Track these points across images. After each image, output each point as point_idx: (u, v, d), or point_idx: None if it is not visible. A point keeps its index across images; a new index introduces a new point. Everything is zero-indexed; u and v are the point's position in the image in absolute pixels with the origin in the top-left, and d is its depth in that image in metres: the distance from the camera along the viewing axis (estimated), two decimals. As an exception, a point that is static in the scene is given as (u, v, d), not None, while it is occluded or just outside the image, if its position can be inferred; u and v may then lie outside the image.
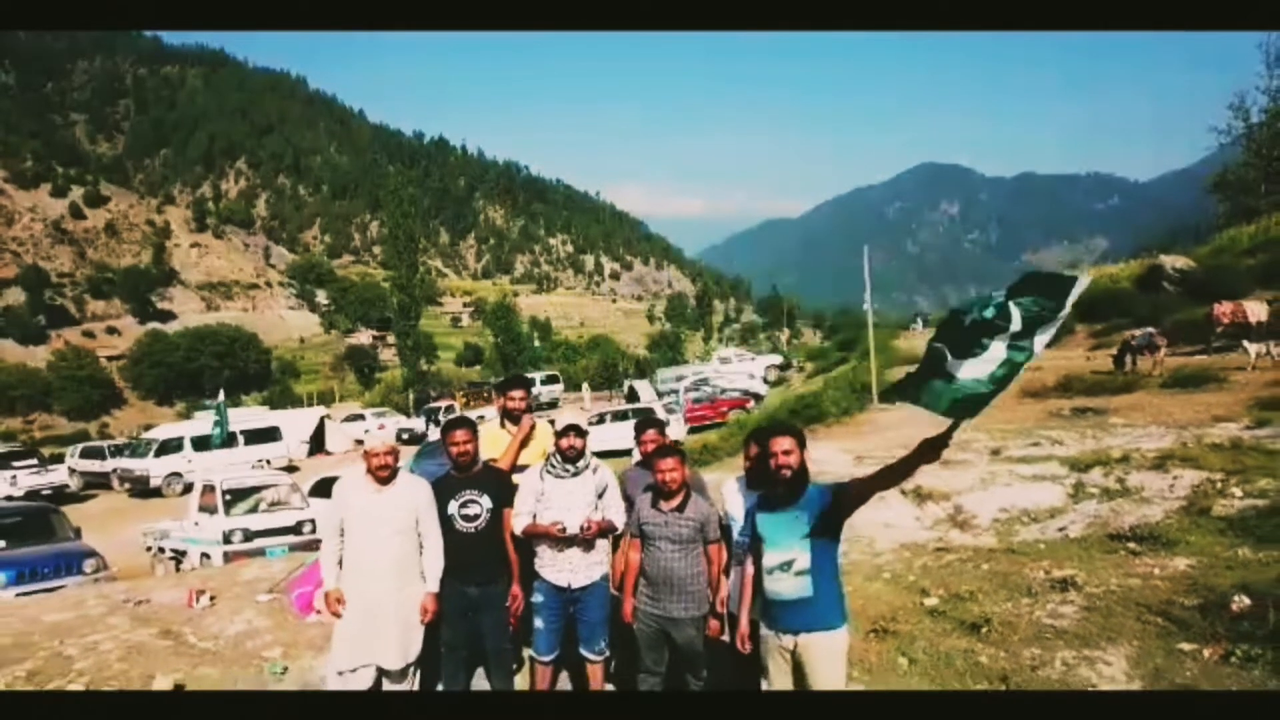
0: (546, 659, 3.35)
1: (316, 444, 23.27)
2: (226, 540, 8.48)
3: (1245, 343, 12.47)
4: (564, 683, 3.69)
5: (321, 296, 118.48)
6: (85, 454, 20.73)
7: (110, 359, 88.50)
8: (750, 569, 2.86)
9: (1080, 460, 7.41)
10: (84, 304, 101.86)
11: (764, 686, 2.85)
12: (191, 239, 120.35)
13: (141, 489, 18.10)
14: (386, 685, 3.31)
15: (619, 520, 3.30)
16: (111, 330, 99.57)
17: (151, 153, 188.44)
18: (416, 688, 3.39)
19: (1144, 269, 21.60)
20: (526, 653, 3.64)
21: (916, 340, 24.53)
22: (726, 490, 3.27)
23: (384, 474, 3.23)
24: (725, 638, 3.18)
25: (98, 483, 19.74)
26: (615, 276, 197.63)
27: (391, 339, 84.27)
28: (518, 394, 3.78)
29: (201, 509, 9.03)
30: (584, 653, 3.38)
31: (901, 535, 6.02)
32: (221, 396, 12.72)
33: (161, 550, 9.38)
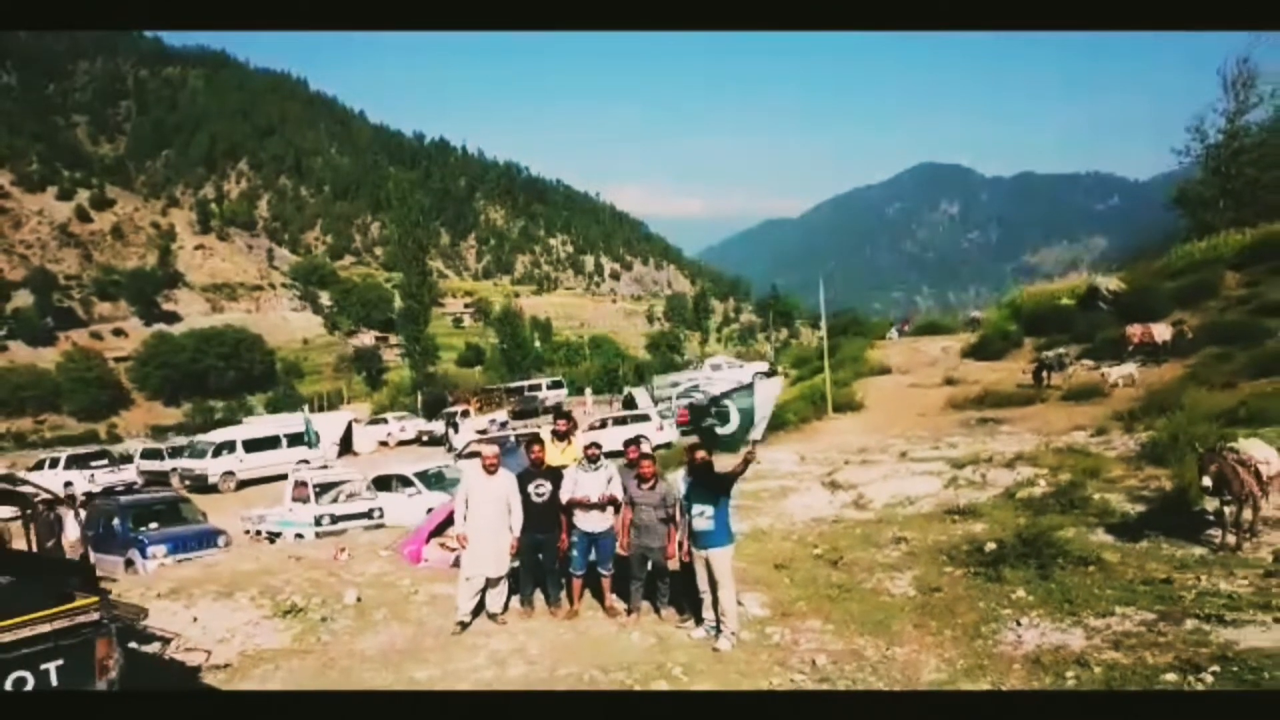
0: (578, 573, 5.99)
1: (345, 446, 25.80)
2: (318, 523, 11.06)
3: (1104, 369, 14.87)
4: (588, 608, 6.30)
5: (324, 298, 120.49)
6: (145, 455, 23.36)
7: (117, 360, 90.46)
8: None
9: (960, 460, 10.01)
10: (91, 306, 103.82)
11: (697, 580, 5.47)
12: (196, 241, 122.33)
13: (199, 486, 20.64)
14: (490, 590, 5.92)
15: (620, 496, 5.90)
16: (118, 332, 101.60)
17: (153, 154, 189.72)
18: (506, 590, 6.02)
19: (1084, 289, 24.17)
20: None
21: (891, 350, 26.96)
22: (676, 479, 5.89)
23: (491, 468, 5.84)
24: (675, 562, 5.80)
25: (156, 480, 22.29)
26: (615, 277, 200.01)
27: (394, 339, 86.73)
28: (563, 423, 6.42)
29: (295, 499, 11.64)
30: (600, 570, 6.00)
31: (813, 513, 8.62)
32: (307, 410, 15.29)
33: (259, 532, 11.97)
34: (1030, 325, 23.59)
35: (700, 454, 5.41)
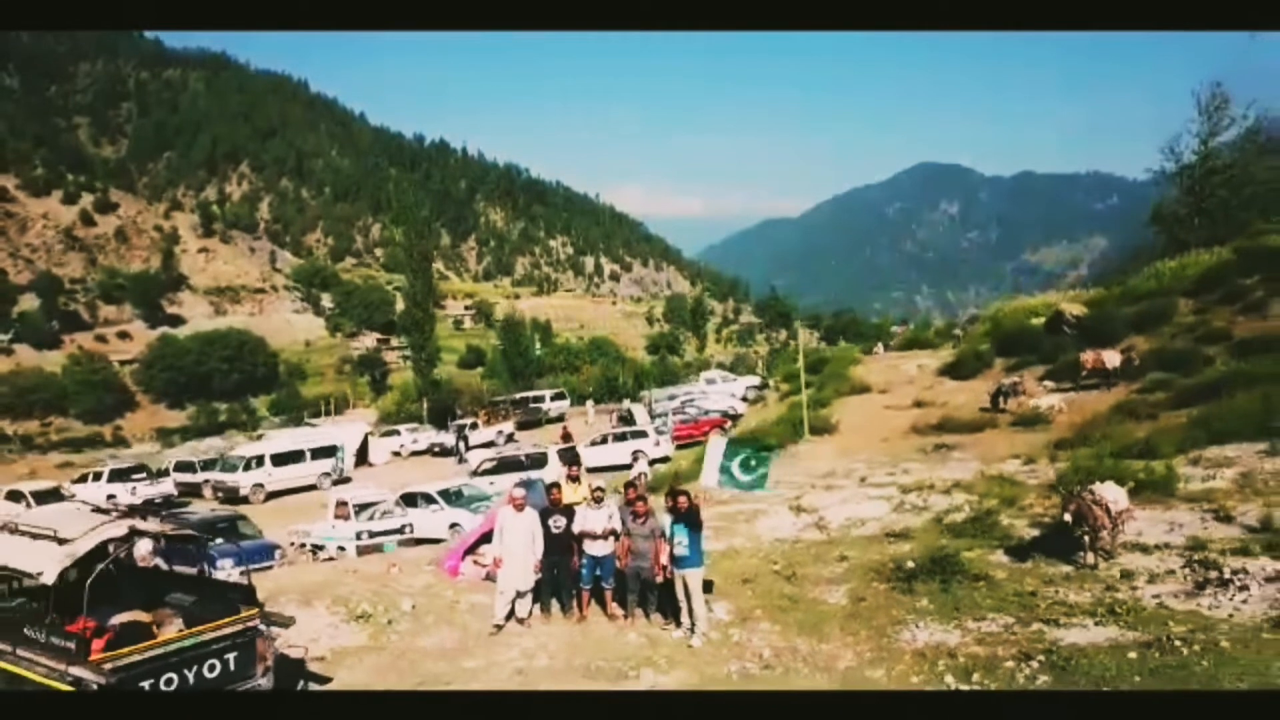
0: (586, 587, 7.76)
1: (360, 457, 27.55)
2: (358, 538, 12.81)
3: (1039, 400, 16.57)
4: (593, 616, 8.05)
5: (326, 300, 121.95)
6: (178, 468, 25.12)
7: (123, 363, 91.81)
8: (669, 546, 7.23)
9: (909, 486, 11.75)
10: (96, 309, 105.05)
11: (676, 593, 7.21)
12: (199, 244, 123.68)
13: (231, 497, 22.39)
14: (518, 601, 7.67)
15: (619, 528, 7.65)
16: (123, 335, 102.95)
17: (154, 156, 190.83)
18: (531, 600, 7.77)
19: (1051, 313, 25.87)
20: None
21: (872, 367, 28.61)
22: (662, 517, 7.64)
23: (519, 506, 7.59)
24: (661, 578, 7.54)
25: (189, 492, 24.07)
26: (615, 278, 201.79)
27: (395, 341, 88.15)
28: (574, 469, 8.20)
29: (337, 517, 13.40)
30: (603, 584, 7.77)
31: (778, 534, 10.34)
32: (342, 443, 17.07)
33: (304, 545, 13.70)
34: (1002, 346, 25.22)
35: (682, 499, 7.18)
